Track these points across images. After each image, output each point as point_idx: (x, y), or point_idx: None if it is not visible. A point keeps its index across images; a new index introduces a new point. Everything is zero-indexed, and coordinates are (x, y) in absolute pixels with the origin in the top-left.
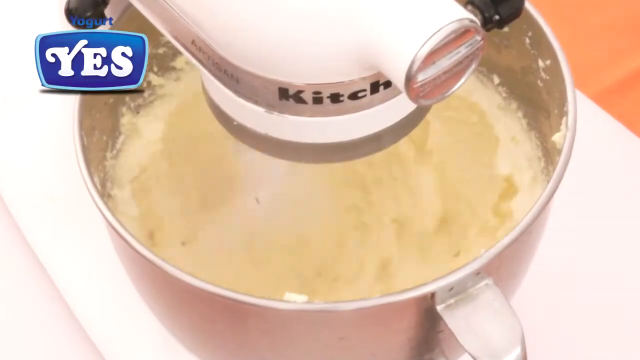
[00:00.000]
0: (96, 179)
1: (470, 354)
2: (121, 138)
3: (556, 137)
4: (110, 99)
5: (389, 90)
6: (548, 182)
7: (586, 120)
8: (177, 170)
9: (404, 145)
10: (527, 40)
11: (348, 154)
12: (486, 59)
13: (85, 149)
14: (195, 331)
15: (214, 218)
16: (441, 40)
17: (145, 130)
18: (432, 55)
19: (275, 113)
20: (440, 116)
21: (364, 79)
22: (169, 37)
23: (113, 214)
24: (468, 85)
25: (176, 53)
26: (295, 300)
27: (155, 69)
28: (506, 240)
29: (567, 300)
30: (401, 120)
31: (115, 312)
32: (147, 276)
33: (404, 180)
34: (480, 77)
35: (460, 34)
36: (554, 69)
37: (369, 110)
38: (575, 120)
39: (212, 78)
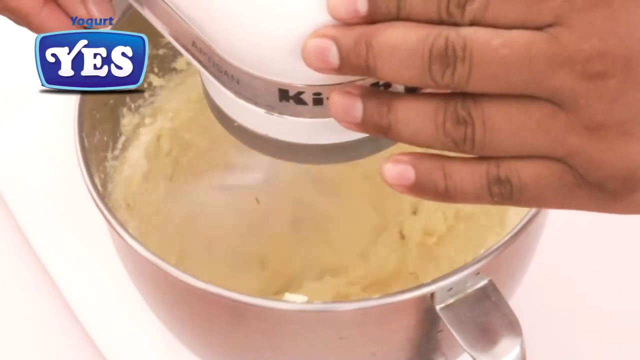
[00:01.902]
0: (97, 180)
1: (469, 353)
2: (122, 139)
3: None
4: (111, 99)
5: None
6: None
7: None
8: (178, 170)
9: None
10: None
11: (348, 155)
12: None
13: (85, 150)
14: (195, 331)
15: (213, 218)
16: None
17: (146, 131)
18: None
19: (276, 114)
20: None
21: (363, 80)
22: (169, 38)
23: (114, 215)
24: None
25: (177, 54)
26: (295, 300)
27: (155, 69)
28: (505, 240)
29: (567, 300)
30: None
31: (116, 312)
32: (147, 277)
33: None
34: None
35: None
36: None
37: None
38: None
39: (212, 79)
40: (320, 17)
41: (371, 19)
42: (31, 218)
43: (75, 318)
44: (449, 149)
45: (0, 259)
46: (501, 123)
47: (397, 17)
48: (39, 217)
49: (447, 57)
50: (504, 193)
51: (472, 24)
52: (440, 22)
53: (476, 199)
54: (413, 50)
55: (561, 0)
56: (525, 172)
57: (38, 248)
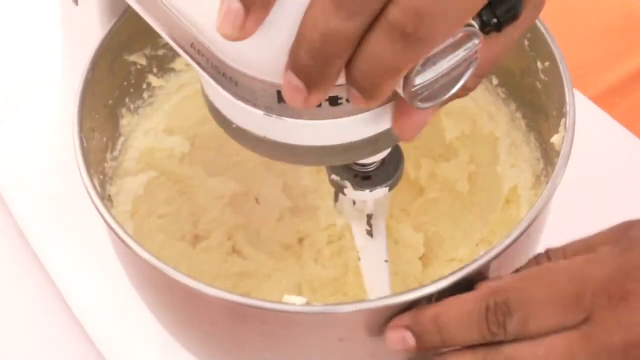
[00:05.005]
0: (96, 181)
1: None
2: (121, 139)
3: (555, 139)
4: (110, 100)
5: None
6: (547, 183)
7: (585, 121)
8: (177, 170)
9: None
10: (526, 42)
11: (346, 157)
12: None
13: (85, 151)
14: (194, 332)
15: (213, 218)
16: None
17: (145, 132)
18: (430, 59)
19: (274, 116)
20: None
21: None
22: (167, 39)
23: (112, 216)
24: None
25: (175, 55)
26: (294, 302)
27: (154, 70)
28: (506, 240)
29: None
30: None
31: (115, 312)
32: (146, 278)
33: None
34: None
35: (458, 38)
36: (553, 71)
37: (366, 113)
38: (574, 122)
39: (210, 81)
40: None
41: (419, 349)
42: (31, 218)
43: (75, 318)
44: None
45: (0, 259)
46: None
47: (444, 346)
48: (39, 217)
49: None
50: None
51: (516, 338)
52: (487, 343)
53: None
54: None
55: (589, 300)
56: None
57: (38, 248)
